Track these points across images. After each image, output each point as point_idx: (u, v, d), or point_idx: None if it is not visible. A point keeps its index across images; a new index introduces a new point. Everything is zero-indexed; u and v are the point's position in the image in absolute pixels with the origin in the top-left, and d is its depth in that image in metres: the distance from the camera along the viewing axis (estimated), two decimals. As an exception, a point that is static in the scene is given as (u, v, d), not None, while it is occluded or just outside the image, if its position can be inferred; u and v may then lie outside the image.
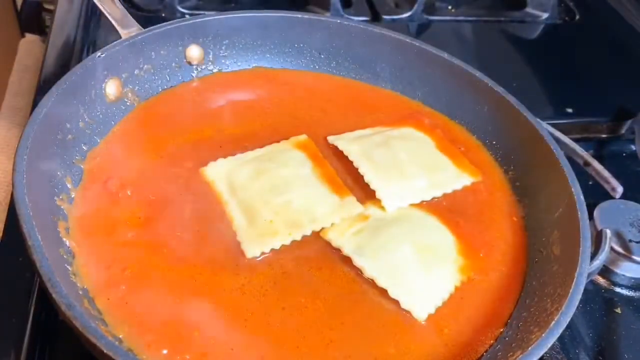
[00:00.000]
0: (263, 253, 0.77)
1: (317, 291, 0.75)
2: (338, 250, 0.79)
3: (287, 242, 0.79)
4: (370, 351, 0.71)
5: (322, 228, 0.81)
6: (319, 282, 0.76)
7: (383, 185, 0.86)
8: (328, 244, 0.80)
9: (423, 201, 0.87)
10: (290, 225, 0.80)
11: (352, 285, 0.76)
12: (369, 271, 0.76)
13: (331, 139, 0.94)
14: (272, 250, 0.78)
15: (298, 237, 0.79)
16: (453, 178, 0.91)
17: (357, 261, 0.77)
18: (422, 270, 0.77)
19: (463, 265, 0.80)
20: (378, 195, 0.85)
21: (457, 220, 0.85)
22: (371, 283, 0.76)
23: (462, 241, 0.83)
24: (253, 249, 0.77)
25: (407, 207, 0.85)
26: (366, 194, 0.87)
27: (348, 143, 0.93)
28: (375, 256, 0.77)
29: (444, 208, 0.87)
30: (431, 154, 0.93)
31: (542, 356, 0.65)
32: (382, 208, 0.84)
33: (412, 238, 0.80)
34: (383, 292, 0.75)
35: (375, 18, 1.33)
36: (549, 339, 0.66)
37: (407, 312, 0.74)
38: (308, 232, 0.80)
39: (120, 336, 0.67)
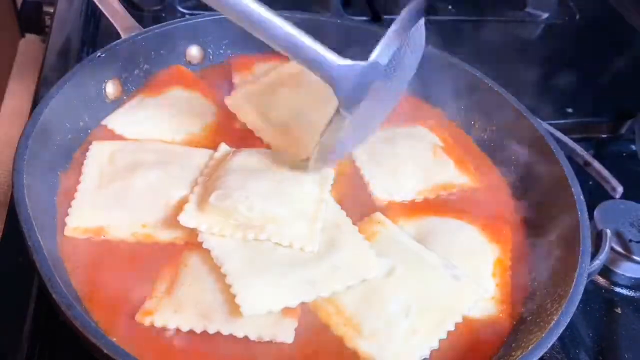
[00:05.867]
0: None
1: None
2: None
3: None
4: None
5: None
6: None
7: (374, 178, 0.88)
8: None
9: (404, 200, 0.87)
10: None
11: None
12: None
13: None
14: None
15: None
16: (448, 182, 0.90)
17: None
18: (484, 271, 0.78)
19: (498, 251, 0.81)
20: (369, 188, 0.87)
21: (468, 216, 0.85)
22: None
23: (483, 228, 0.83)
24: None
25: (420, 219, 0.84)
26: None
27: None
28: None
29: (448, 209, 0.86)
30: (433, 155, 0.92)
31: (543, 356, 0.65)
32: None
33: (452, 249, 0.80)
34: None
35: (376, 18, 1.33)
36: (549, 339, 0.66)
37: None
38: None
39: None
